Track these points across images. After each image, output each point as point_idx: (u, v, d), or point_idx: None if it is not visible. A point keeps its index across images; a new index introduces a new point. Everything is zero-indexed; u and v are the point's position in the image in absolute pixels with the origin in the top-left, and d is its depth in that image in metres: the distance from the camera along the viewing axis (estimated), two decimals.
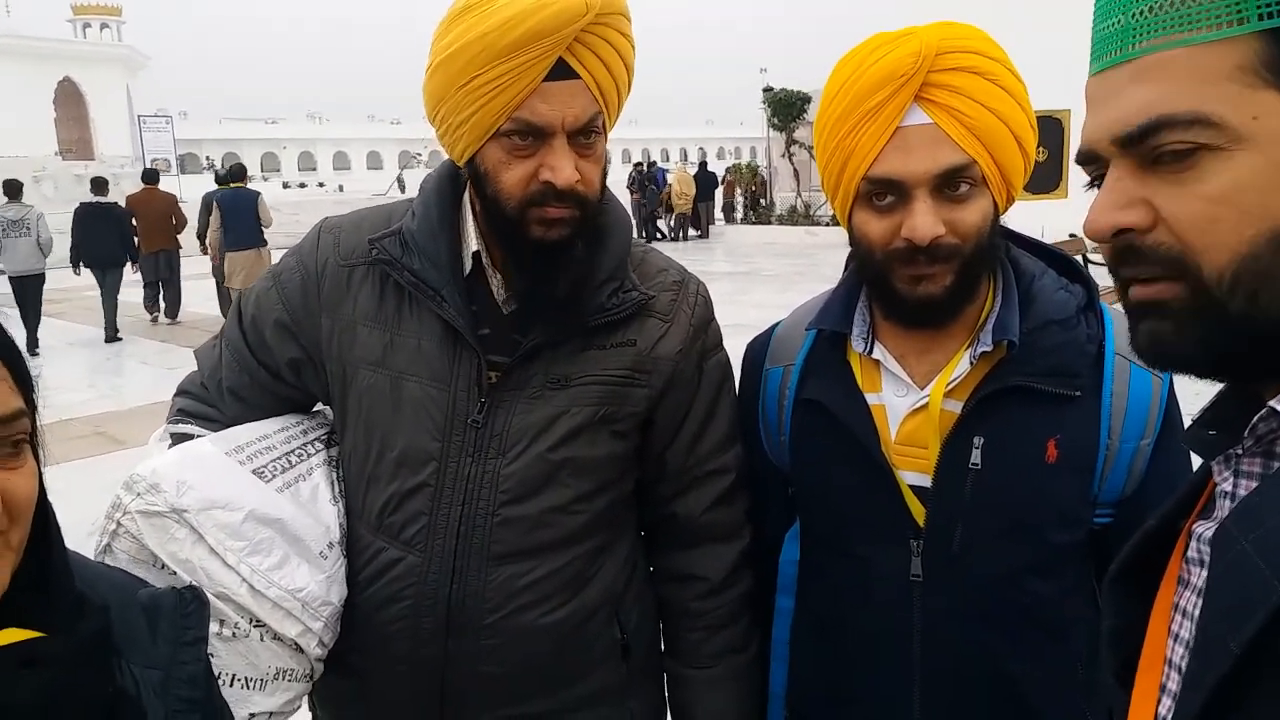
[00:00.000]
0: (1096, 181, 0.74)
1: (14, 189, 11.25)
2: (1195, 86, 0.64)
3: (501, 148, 1.28)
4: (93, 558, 1.27)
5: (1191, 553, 0.74)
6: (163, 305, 12.72)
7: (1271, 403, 0.68)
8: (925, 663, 1.28)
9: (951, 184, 1.19)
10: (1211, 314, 0.66)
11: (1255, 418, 0.69)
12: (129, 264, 12.11)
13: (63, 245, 12.02)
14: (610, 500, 1.43)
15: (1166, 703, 0.72)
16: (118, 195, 13.33)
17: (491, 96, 1.23)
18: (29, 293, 10.97)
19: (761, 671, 1.53)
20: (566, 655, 1.41)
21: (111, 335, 11.60)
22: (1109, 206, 0.70)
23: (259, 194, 11.38)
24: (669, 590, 1.54)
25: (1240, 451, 0.72)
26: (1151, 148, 0.67)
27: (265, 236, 11.14)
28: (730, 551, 1.50)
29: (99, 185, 12.24)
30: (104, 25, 66.53)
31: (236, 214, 10.90)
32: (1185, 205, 0.66)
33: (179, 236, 12.63)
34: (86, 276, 11.89)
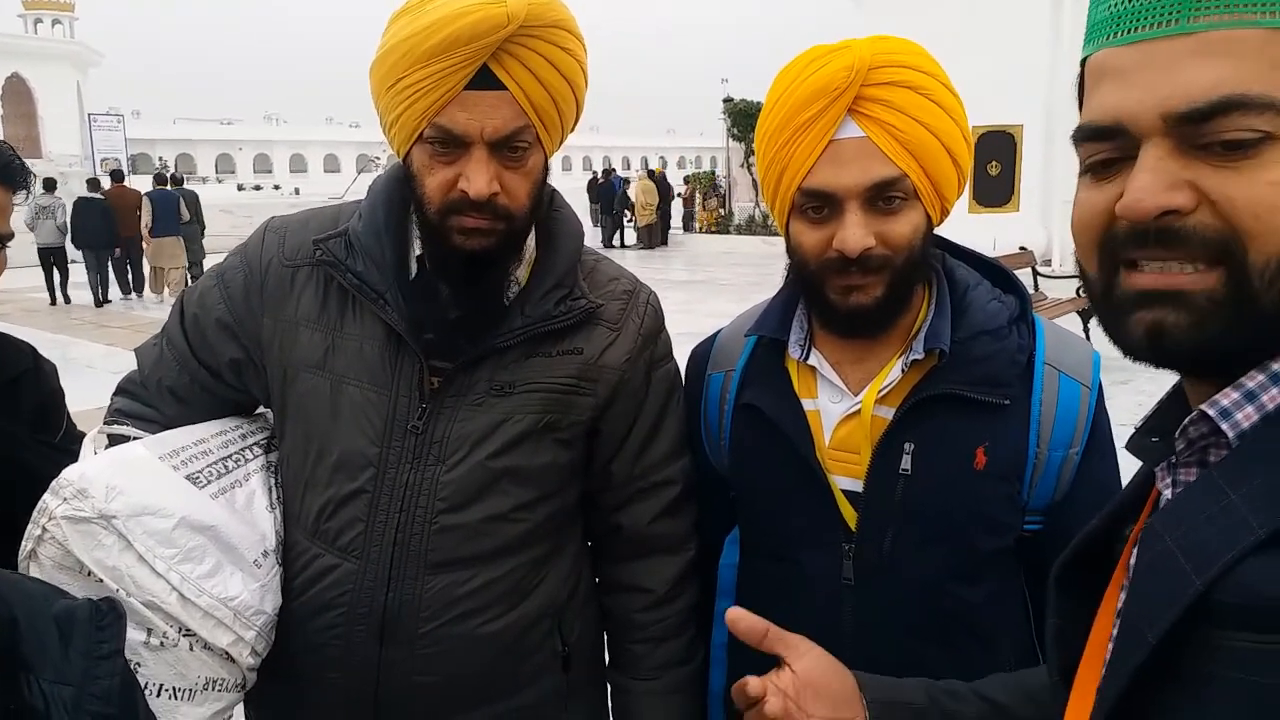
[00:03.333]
0: (1099, 165, 0.72)
1: (50, 184, 15.72)
2: (1268, 70, 0.63)
3: (425, 152, 1.27)
4: (18, 563, 1.24)
5: (1134, 559, 0.74)
6: (130, 281, 15.85)
7: (1202, 406, 0.69)
8: (855, 666, 1.29)
9: (883, 197, 1.21)
10: (1242, 306, 0.65)
11: (1186, 421, 0.70)
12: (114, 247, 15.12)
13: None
14: (553, 510, 1.42)
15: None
16: (65, 194, 16.10)
17: (413, 100, 1.23)
18: (56, 260, 15.04)
19: (704, 682, 1.53)
20: (505, 666, 1.40)
21: (100, 301, 15.09)
22: (1157, 187, 0.66)
23: (180, 195, 15.08)
24: (613, 601, 1.54)
25: (1176, 460, 0.73)
26: (1214, 130, 0.64)
27: (181, 228, 14.85)
28: (676, 563, 1.50)
29: (93, 184, 16.00)
30: (55, 21, 65.08)
31: (163, 208, 14.71)
32: (1250, 190, 0.64)
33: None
34: (28, 277, 14.42)
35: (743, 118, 23.85)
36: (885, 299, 1.25)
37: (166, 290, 14.88)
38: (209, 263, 14.56)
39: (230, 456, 1.43)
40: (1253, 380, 0.67)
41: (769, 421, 1.35)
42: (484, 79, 1.22)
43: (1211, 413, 0.68)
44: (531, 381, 1.36)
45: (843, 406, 1.32)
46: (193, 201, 15.42)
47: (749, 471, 1.42)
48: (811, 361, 1.35)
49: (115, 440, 1.44)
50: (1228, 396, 0.67)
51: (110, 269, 15.44)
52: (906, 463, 1.26)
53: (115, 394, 1.55)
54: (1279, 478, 0.62)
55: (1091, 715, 0.72)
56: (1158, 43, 0.67)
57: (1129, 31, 0.68)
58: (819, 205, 1.23)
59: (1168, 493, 0.74)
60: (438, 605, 1.34)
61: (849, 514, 1.30)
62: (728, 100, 25.12)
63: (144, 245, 14.82)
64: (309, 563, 1.38)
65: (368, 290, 1.34)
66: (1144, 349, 0.69)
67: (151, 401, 1.50)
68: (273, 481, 1.46)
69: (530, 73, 1.25)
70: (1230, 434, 0.67)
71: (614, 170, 26.54)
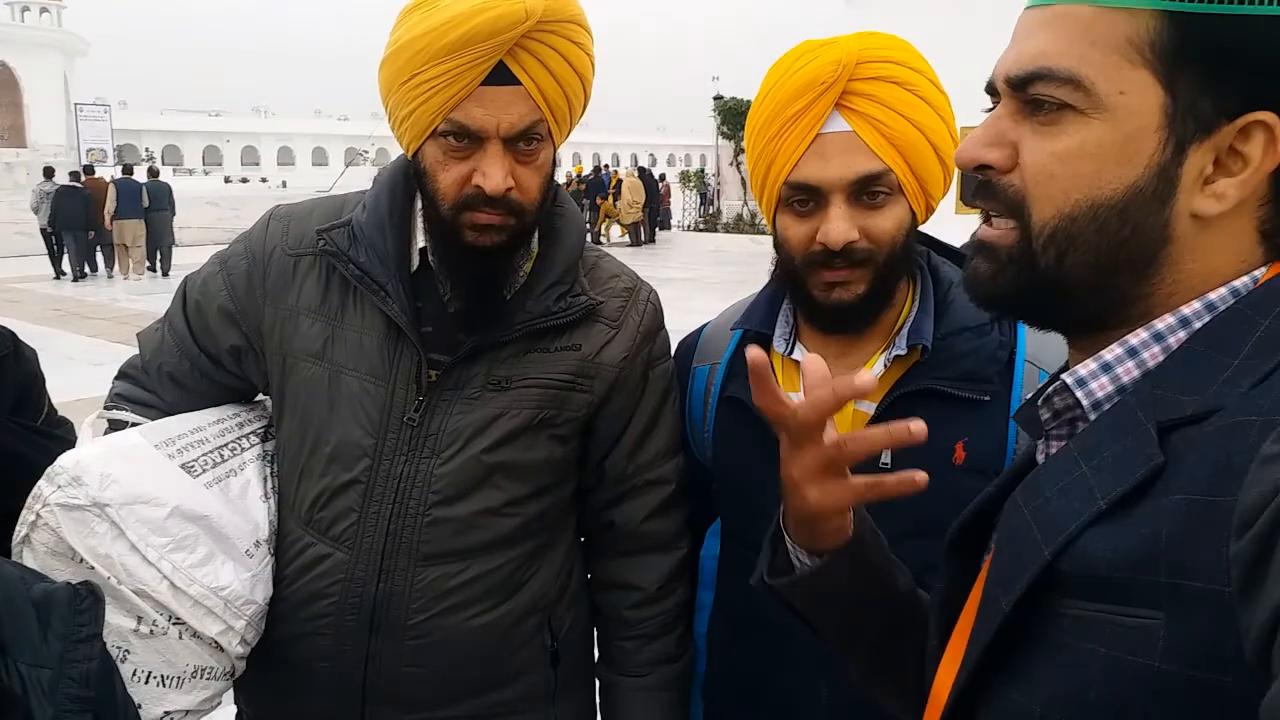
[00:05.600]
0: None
1: (49, 172, 17.90)
2: (1084, 47, 0.67)
3: (439, 148, 1.27)
4: (12, 548, 1.24)
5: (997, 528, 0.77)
6: (100, 261, 17.51)
7: (1064, 376, 0.72)
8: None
9: (868, 191, 1.22)
10: (1027, 265, 0.71)
11: (1050, 390, 0.73)
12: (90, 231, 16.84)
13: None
14: (546, 505, 1.42)
15: None
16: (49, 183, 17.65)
17: (428, 96, 1.22)
18: (57, 237, 16.71)
19: (692, 678, 1.54)
20: (494, 659, 1.40)
21: (78, 275, 16.77)
22: (978, 141, 0.73)
23: (143, 185, 17.05)
24: (604, 597, 1.54)
25: (1048, 431, 0.76)
26: (1030, 96, 0.69)
27: (150, 214, 16.82)
28: (667, 562, 1.50)
29: (75, 176, 17.55)
30: (43, 10, 64.66)
31: (126, 194, 16.63)
32: (1036, 156, 0.69)
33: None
34: (10, 268, 15.85)
35: (732, 115, 23.90)
36: (868, 294, 1.25)
37: (130, 266, 16.90)
38: (192, 254, 15.46)
39: (226, 445, 1.43)
40: (1110, 353, 0.70)
41: (753, 414, 1.36)
42: (499, 74, 1.22)
43: (1070, 381, 0.71)
44: (528, 377, 1.37)
45: None
46: (166, 192, 17.49)
47: (732, 463, 1.42)
48: (796, 356, 1.36)
49: (115, 424, 1.45)
50: (1086, 367, 0.71)
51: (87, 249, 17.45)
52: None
53: (116, 378, 1.54)
54: (1123, 449, 0.64)
55: (955, 678, 0.74)
56: (1031, 12, 0.72)
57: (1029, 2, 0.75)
58: (804, 198, 1.24)
59: (1041, 461, 0.77)
60: (428, 597, 1.34)
61: None
62: (718, 98, 25.15)
63: (108, 226, 16.68)
64: (301, 551, 1.38)
65: (369, 282, 1.34)
66: (967, 289, 0.77)
67: (152, 386, 1.50)
68: (268, 471, 1.45)
69: (544, 68, 1.25)
70: (1085, 402, 0.70)
71: (606, 166, 26.50)
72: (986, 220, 0.75)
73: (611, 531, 1.51)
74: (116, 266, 17.10)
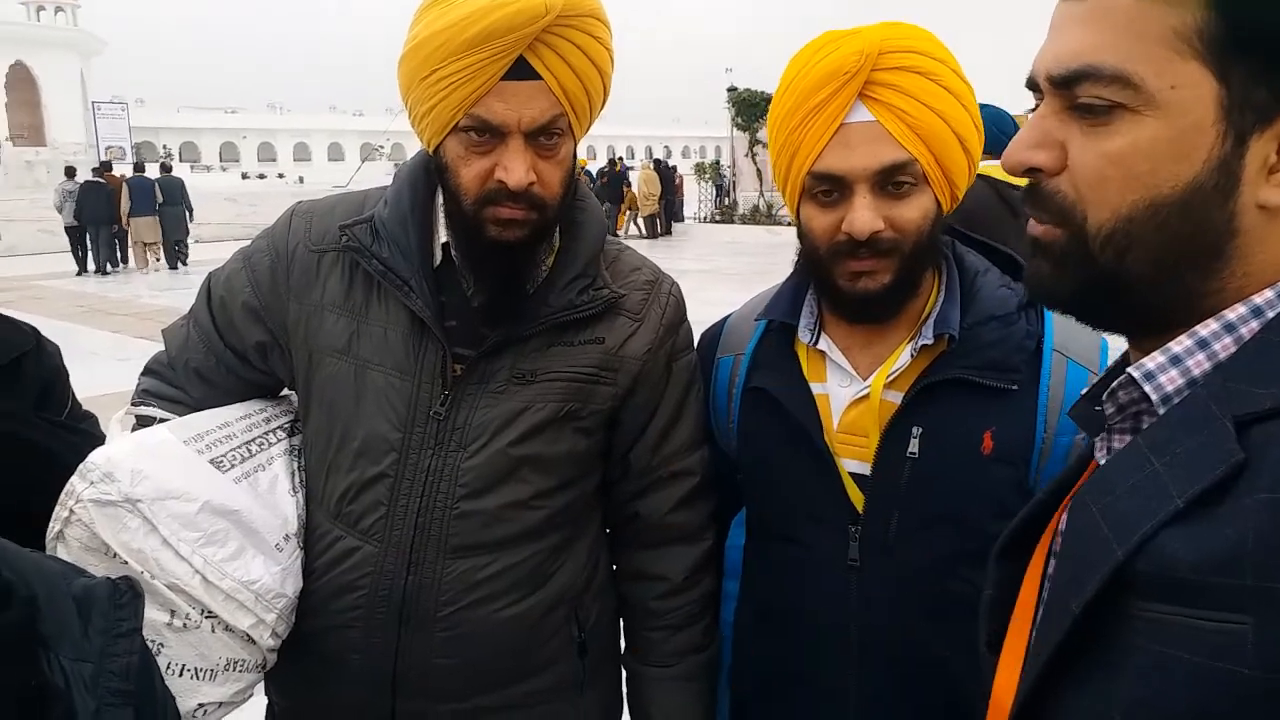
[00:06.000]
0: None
1: (71, 171, 18.07)
2: (1129, 42, 0.64)
3: (460, 143, 1.27)
4: (46, 543, 1.26)
5: (1063, 525, 0.75)
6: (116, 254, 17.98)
7: (1129, 369, 0.70)
8: (862, 647, 1.30)
9: (892, 181, 1.22)
10: (1085, 264, 0.69)
11: (1114, 384, 0.71)
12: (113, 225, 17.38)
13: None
14: (572, 497, 1.43)
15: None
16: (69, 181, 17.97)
17: (449, 92, 1.22)
18: (82, 236, 17.09)
19: (719, 668, 1.55)
20: (522, 650, 1.41)
21: (102, 269, 17.12)
22: (1025, 144, 0.71)
23: (155, 181, 17.52)
24: (630, 588, 1.55)
25: (1110, 426, 0.74)
26: (1076, 94, 0.67)
27: (163, 210, 17.36)
28: (692, 553, 1.51)
29: (96, 171, 18.46)
30: (59, 9, 65.05)
31: (140, 192, 17.11)
32: (1087, 158, 0.68)
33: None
34: (35, 265, 15.69)
35: (747, 107, 23.79)
36: (894, 284, 1.25)
37: (150, 261, 17.51)
38: (212, 250, 16.79)
39: (254, 440, 1.44)
40: (1179, 345, 0.68)
41: (778, 404, 1.36)
42: (520, 69, 1.22)
43: (1137, 375, 0.69)
44: (553, 370, 1.37)
45: (851, 391, 1.33)
46: (179, 187, 17.97)
47: (757, 454, 1.43)
48: (821, 346, 1.36)
49: (142, 420, 1.46)
50: (1154, 360, 0.69)
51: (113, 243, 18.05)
52: (914, 446, 1.26)
53: (143, 374, 1.56)
54: (1199, 445, 0.62)
55: (1020, 682, 0.72)
56: (1064, 5, 0.70)
57: None
58: (829, 189, 1.24)
59: (1102, 460, 0.75)
60: (457, 589, 1.35)
61: (856, 496, 1.30)
62: (732, 89, 25.04)
63: (125, 225, 17.23)
64: (331, 544, 1.39)
65: (393, 277, 1.34)
66: (1031, 292, 0.75)
67: (178, 382, 1.51)
68: (295, 465, 1.46)
69: (564, 62, 1.25)
70: (1154, 396, 0.68)
71: (621, 159, 26.45)
72: (1036, 217, 0.74)
73: (637, 523, 1.51)
74: (133, 261, 17.60)
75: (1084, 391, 0.80)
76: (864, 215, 1.21)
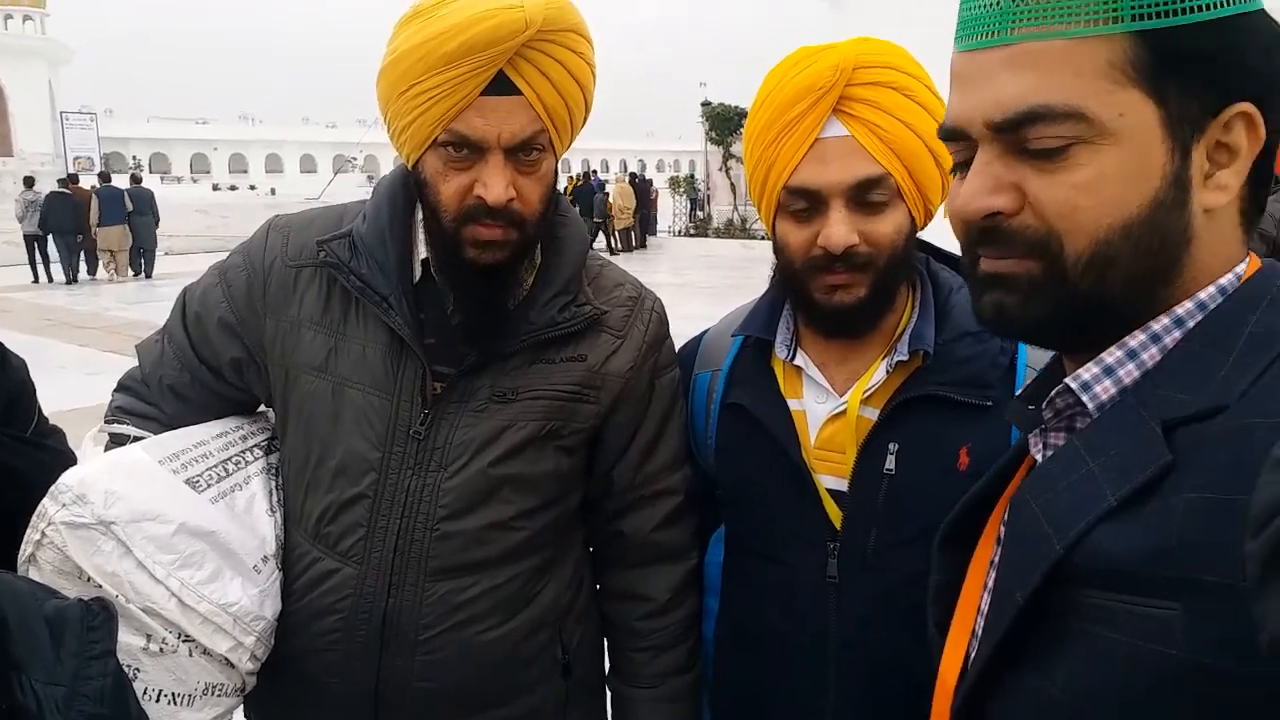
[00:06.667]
0: (962, 163, 0.77)
1: (30, 181, 18.40)
2: (1071, 79, 0.68)
3: (439, 158, 1.26)
4: (18, 566, 1.23)
5: (1006, 518, 0.81)
6: (83, 266, 17.95)
7: (1067, 380, 0.75)
8: (840, 665, 1.30)
9: (867, 195, 1.22)
10: (1062, 291, 0.72)
11: (1053, 393, 0.77)
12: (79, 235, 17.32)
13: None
14: (554, 517, 1.41)
15: (975, 646, 0.80)
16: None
17: (428, 106, 1.21)
18: (40, 245, 17.28)
19: (703, 688, 1.54)
20: (505, 673, 1.39)
21: (69, 278, 17.26)
22: (981, 191, 0.74)
23: (124, 191, 17.67)
24: (614, 608, 1.53)
25: (1046, 426, 0.79)
26: (1025, 137, 0.71)
27: (133, 219, 17.48)
28: (677, 571, 1.49)
29: (63, 183, 18.27)
30: (26, 18, 64.27)
31: (108, 202, 17.19)
32: (1054, 192, 0.71)
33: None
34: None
35: (720, 121, 23.89)
36: (869, 298, 1.25)
37: (116, 270, 17.56)
38: (183, 263, 17.63)
39: (230, 459, 1.41)
40: (1111, 356, 0.73)
41: (755, 421, 1.36)
42: (500, 84, 1.21)
43: (1074, 385, 0.74)
44: (534, 388, 1.35)
45: (828, 407, 1.33)
46: (148, 198, 18.10)
47: (735, 470, 1.42)
48: (797, 362, 1.36)
49: (116, 438, 1.42)
50: (1089, 370, 0.74)
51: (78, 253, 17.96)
52: (891, 463, 1.26)
53: (116, 391, 1.52)
54: (1130, 447, 0.67)
55: (970, 666, 0.78)
56: (984, 52, 0.73)
57: (966, 39, 0.75)
58: (804, 203, 1.24)
59: (1039, 456, 0.80)
60: (438, 612, 1.33)
61: (834, 513, 1.30)
62: (706, 104, 25.14)
63: (93, 234, 17.30)
64: (310, 565, 1.37)
65: (371, 293, 1.32)
66: (991, 324, 0.78)
67: (152, 399, 1.48)
68: (273, 484, 1.43)
69: (545, 77, 1.23)
70: (1090, 405, 0.74)
71: (595, 172, 26.46)
72: (974, 258, 0.77)
73: (620, 541, 1.49)
74: (101, 270, 17.68)
75: (1019, 393, 0.86)
76: (839, 229, 1.21)
